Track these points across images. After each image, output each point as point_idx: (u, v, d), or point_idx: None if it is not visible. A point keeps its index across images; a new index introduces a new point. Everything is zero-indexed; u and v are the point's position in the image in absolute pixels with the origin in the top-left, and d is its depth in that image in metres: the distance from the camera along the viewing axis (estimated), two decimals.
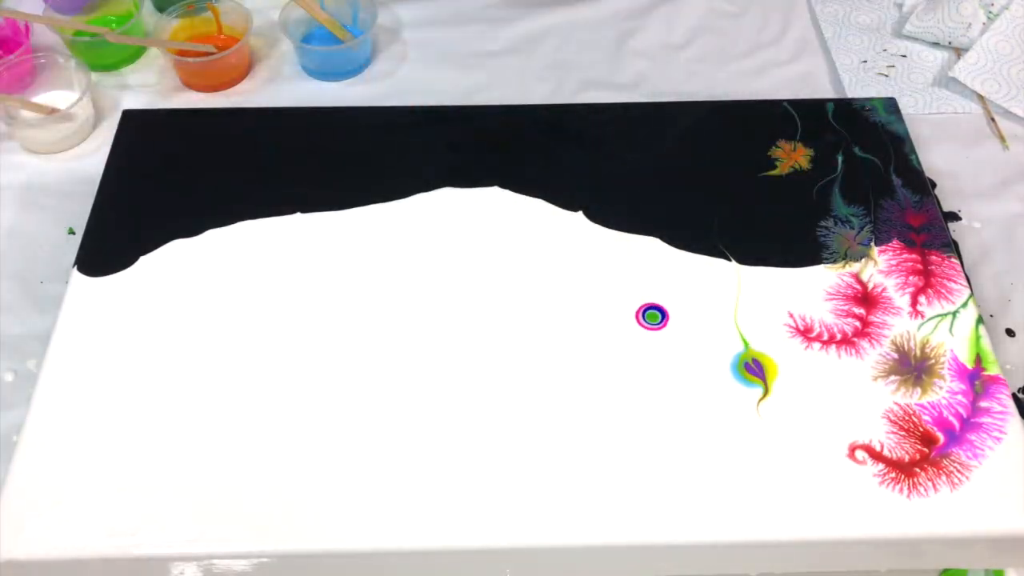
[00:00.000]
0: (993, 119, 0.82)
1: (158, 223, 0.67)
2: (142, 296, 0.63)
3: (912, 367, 0.60)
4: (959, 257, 0.68)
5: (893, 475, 0.55)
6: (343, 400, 0.59)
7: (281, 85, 0.87)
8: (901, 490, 0.55)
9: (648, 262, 0.65)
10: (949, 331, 0.62)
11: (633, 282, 0.64)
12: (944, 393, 0.59)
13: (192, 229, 0.67)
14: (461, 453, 0.56)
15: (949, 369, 0.60)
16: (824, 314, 0.63)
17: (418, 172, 0.70)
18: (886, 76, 0.85)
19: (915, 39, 0.88)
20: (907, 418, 0.58)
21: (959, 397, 0.59)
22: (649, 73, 0.87)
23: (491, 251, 0.66)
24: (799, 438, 0.57)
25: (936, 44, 0.88)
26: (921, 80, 0.85)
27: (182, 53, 0.84)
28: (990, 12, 0.86)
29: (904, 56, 0.87)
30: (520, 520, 0.54)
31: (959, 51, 0.86)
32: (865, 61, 0.87)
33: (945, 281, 0.64)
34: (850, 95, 0.83)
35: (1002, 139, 0.80)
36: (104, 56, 0.87)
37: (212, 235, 0.67)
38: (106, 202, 0.69)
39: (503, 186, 0.70)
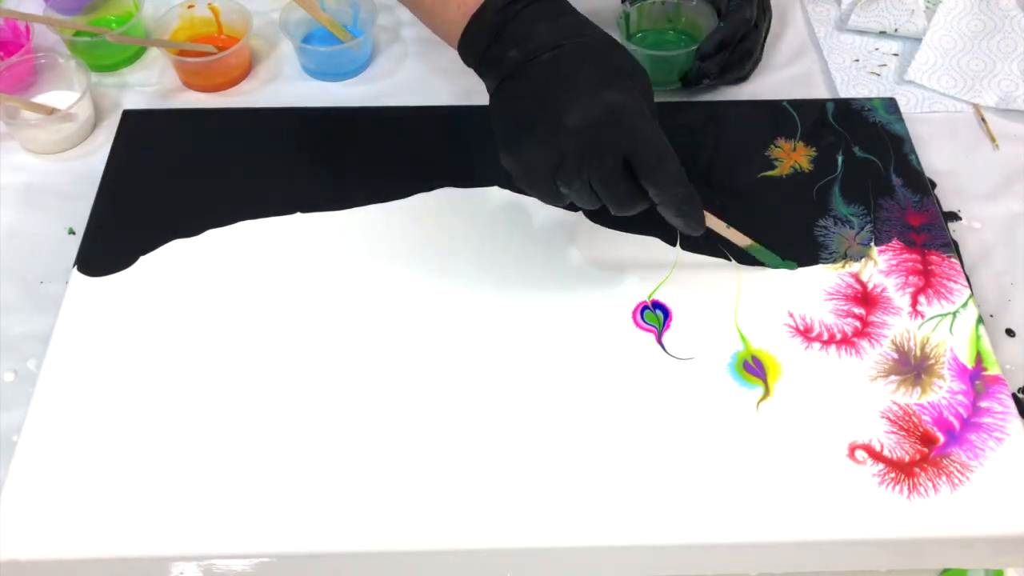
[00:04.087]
0: (984, 119, 0.81)
1: (158, 223, 0.67)
2: (142, 296, 0.63)
3: (912, 367, 0.60)
4: (959, 257, 0.68)
5: (893, 475, 0.55)
6: (343, 400, 0.59)
7: (281, 85, 0.87)
8: (901, 490, 0.55)
9: (648, 262, 0.65)
10: (949, 331, 0.62)
11: (632, 282, 0.64)
12: (944, 393, 0.59)
13: (192, 229, 0.67)
14: (461, 453, 0.56)
15: (949, 369, 0.60)
16: (824, 314, 0.63)
17: (418, 172, 0.70)
18: (878, 75, 0.85)
19: (863, 32, 0.88)
20: (907, 418, 0.58)
21: (959, 397, 0.59)
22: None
23: (491, 251, 0.66)
24: (799, 438, 0.57)
25: (883, 33, 0.87)
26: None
27: (182, 53, 0.84)
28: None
29: (896, 55, 0.87)
30: (520, 520, 0.54)
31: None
32: (857, 60, 0.86)
33: (945, 281, 0.64)
34: (842, 94, 0.83)
35: (992, 139, 0.80)
36: (104, 56, 0.87)
37: (212, 235, 0.67)
38: (106, 202, 0.69)
39: (503, 186, 0.70)
